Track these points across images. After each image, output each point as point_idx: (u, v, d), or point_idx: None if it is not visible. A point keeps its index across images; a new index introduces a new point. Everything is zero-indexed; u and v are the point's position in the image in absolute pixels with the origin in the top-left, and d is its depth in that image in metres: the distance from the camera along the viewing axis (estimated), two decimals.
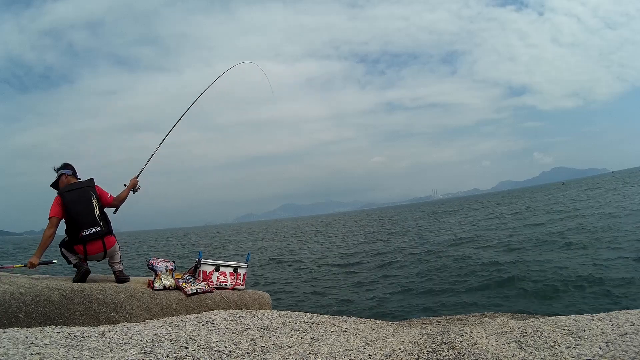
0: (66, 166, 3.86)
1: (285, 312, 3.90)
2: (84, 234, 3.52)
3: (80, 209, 3.55)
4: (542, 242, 13.31)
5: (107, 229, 3.68)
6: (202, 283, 4.11)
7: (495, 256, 11.89)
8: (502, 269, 10.07)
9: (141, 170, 4.19)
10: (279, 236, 37.67)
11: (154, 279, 3.88)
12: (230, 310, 3.79)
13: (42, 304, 2.90)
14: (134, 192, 4.08)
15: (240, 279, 4.57)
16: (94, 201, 3.62)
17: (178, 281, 3.97)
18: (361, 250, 18.27)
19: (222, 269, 4.43)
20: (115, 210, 4.00)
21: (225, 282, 4.42)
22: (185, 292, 3.84)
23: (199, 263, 4.34)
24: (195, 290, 3.91)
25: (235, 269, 4.55)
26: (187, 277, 4.15)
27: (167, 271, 3.98)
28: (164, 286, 3.82)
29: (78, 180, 3.83)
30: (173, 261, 4.18)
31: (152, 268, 3.96)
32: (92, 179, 3.84)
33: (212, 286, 4.21)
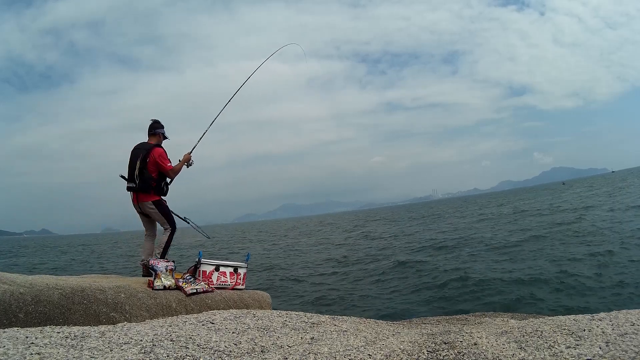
0: (151, 127, 4.48)
1: (285, 312, 3.90)
2: (127, 185, 4.29)
3: (129, 164, 4.27)
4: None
5: (141, 187, 4.23)
6: (202, 283, 4.11)
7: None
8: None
9: (194, 147, 4.68)
10: (280, 236, 37.67)
11: (154, 278, 3.88)
12: (230, 310, 3.79)
13: (42, 304, 2.90)
14: (187, 167, 4.61)
15: (240, 279, 4.57)
16: (138, 162, 4.19)
17: (178, 281, 3.97)
18: (359, 250, 18.28)
19: (222, 269, 4.43)
20: (170, 181, 4.51)
21: (225, 281, 4.42)
22: (185, 292, 3.84)
23: (199, 263, 4.34)
24: (195, 290, 3.91)
25: (235, 268, 4.55)
26: (187, 277, 4.15)
27: (167, 271, 3.98)
28: (164, 286, 3.82)
29: (145, 142, 4.44)
30: (173, 261, 4.18)
31: (152, 268, 3.96)
32: (154, 145, 4.38)
33: (212, 286, 4.21)
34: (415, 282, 10.20)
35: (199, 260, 4.35)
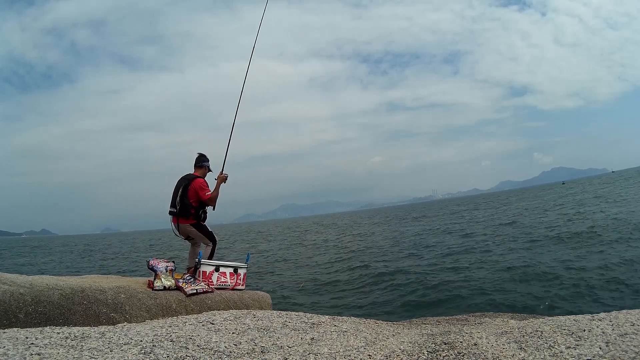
0: (197, 160, 4.83)
1: (285, 312, 3.90)
2: (169, 209, 4.66)
3: (173, 192, 4.65)
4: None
5: (181, 213, 4.58)
6: (202, 283, 4.11)
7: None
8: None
9: (223, 164, 4.88)
10: (280, 237, 37.66)
11: (154, 279, 3.88)
12: (230, 310, 3.79)
13: (42, 304, 2.90)
14: (224, 182, 4.82)
15: (240, 279, 4.57)
16: (180, 191, 4.58)
17: (178, 281, 3.97)
18: (358, 250, 18.27)
19: (222, 269, 4.43)
20: (213, 208, 4.79)
21: (225, 282, 4.42)
22: (185, 293, 3.84)
23: (199, 263, 4.34)
24: (195, 291, 3.91)
25: (235, 269, 4.55)
26: (187, 278, 4.15)
27: (167, 271, 3.98)
28: (164, 286, 3.82)
29: (191, 173, 4.77)
30: (173, 261, 4.18)
31: (152, 268, 3.96)
32: (197, 176, 4.70)
33: (212, 286, 4.21)
34: (416, 281, 10.20)
35: (199, 260, 4.35)
